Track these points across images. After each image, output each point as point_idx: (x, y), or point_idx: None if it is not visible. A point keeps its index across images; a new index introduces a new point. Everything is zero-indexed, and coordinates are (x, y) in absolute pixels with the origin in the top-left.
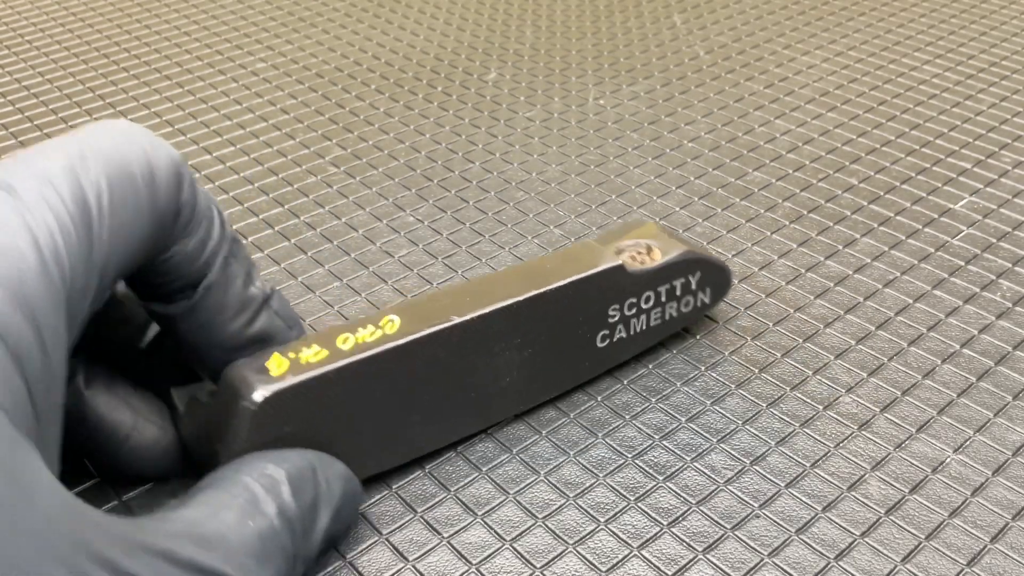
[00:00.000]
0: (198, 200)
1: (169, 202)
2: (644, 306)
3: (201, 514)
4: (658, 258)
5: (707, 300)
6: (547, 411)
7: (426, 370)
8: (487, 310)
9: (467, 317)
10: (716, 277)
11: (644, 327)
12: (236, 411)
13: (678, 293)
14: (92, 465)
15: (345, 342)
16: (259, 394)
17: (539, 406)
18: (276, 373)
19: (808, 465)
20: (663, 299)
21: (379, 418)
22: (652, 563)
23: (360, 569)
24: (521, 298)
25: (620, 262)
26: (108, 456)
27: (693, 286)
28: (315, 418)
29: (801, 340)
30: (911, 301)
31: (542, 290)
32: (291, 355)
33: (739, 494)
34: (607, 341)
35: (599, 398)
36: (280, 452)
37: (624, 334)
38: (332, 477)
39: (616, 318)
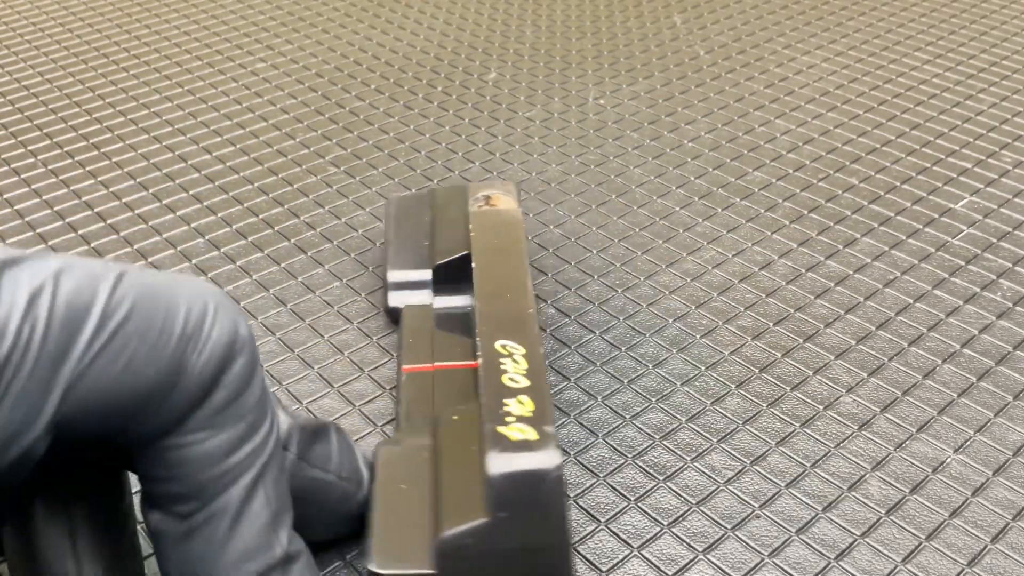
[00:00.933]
0: (248, 393)
1: (201, 368)
2: None
3: None
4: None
5: None
6: None
7: None
8: None
9: None
10: None
11: None
12: None
13: None
14: None
15: None
16: None
17: None
18: None
19: (808, 465)
20: None
21: None
22: (652, 563)
23: (360, 569)
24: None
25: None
26: None
27: None
28: None
29: (801, 340)
30: (911, 301)
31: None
32: None
33: (739, 494)
34: None
35: (599, 398)
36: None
37: None
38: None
39: None
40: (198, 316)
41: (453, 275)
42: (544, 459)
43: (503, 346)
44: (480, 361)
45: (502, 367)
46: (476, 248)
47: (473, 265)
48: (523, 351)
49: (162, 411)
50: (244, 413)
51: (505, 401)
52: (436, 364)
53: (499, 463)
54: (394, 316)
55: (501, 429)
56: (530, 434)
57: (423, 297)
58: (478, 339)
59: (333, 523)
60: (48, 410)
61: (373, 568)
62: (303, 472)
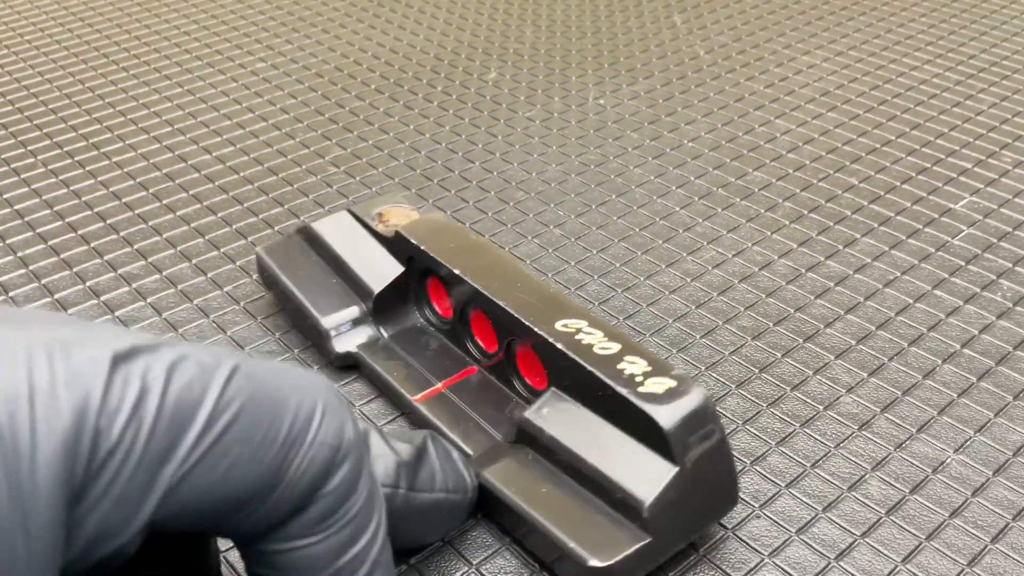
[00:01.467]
0: (354, 499)
1: (302, 474)
2: None
3: None
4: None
5: None
6: None
7: None
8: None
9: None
10: None
11: None
12: None
13: None
14: None
15: None
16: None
17: None
18: None
19: (808, 465)
20: None
21: None
22: None
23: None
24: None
25: None
26: None
27: None
28: None
29: (801, 340)
30: (911, 301)
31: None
32: None
33: (739, 494)
34: None
35: None
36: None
37: None
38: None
39: None
40: (305, 418)
41: (391, 300)
42: (697, 396)
43: (564, 325)
44: (559, 345)
45: (583, 342)
46: (437, 254)
47: (454, 271)
48: (586, 323)
49: (259, 515)
50: (350, 519)
51: (618, 367)
52: (444, 383)
53: (666, 416)
54: (346, 362)
55: (643, 389)
56: (669, 383)
57: (366, 333)
58: (535, 327)
59: (446, 531)
60: (146, 512)
61: (597, 564)
62: (414, 502)
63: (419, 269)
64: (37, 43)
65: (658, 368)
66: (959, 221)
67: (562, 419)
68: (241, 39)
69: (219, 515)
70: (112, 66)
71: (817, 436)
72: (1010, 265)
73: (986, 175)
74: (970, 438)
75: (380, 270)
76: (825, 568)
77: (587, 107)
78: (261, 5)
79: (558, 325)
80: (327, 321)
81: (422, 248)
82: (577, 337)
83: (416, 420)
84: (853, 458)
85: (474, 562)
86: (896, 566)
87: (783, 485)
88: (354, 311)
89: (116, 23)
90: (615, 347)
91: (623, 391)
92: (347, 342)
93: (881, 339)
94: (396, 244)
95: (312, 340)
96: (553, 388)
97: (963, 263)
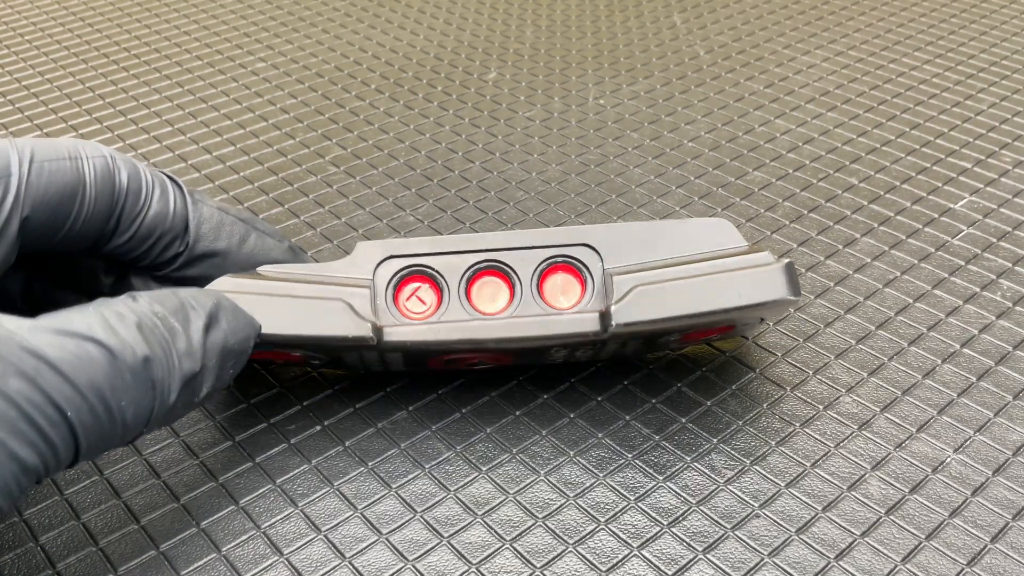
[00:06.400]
0: (140, 179)
1: (103, 177)
2: None
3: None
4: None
5: None
6: (547, 411)
7: None
8: None
9: None
10: None
11: None
12: None
13: None
14: None
15: None
16: None
17: (540, 405)
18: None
19: (808, 465)
20: None
21: None
22: (652, 563)
23: (360, 569)
24: None
25: None
26: None
27: None
28: None
29: (801, 340)
30: (911, 301)
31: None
32: None
33: (739, 494)
34: None
35: (599, 398)
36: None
37: None
38: (197, 294)
39: None
40: (76, 147)
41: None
42: (770, 255)
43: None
44: (623, 224)
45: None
46: (427, 245)
47: (460, 248)
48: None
49: (88, 215)
50: (149, 189)
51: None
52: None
53: (777, 268)
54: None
55: (736, 260)
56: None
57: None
58: (588, 228)
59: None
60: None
61: (780, 264)
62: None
63: (389, 281)
64: (37, 43)
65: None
66: (959, 221)
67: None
68: (241, 39)
69: (61, 215)
70: (112, 66)
71: (817, 436)
72: (1010, 265)
73: (986, 175)
74: (970, 438)
75: (354, 270)
76: (825, 568)
77: (587, 107)
78: (261, 5)
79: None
80: (359, 327)
81: (399, 241)
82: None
83: (506, 344)
84: (853, 458)
85: (474, 562)
86: (896, 566)
87: (783, 485)
88: (362, 290)
89: (116, 23)
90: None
91: (676, 220)
92: (394, 331)
93: (881, 339)
94: (358, 260)
95: (336, 358)
96: (607, 268)
97: (963, 263)
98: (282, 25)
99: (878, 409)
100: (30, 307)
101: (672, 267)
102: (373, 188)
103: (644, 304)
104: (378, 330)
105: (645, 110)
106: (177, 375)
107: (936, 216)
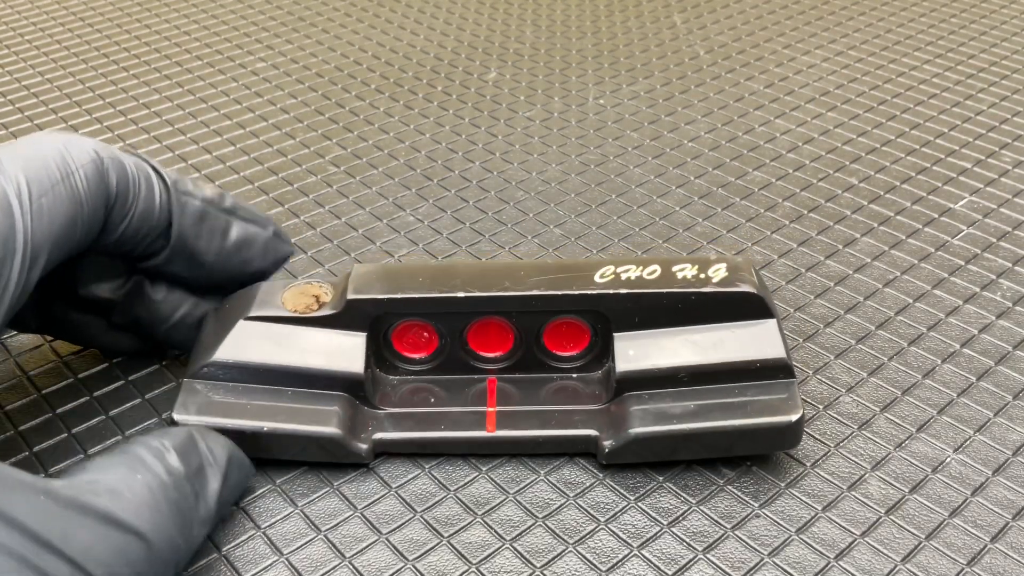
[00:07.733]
0: (128, 180)
1: (97, 188)
2: None
3: (96, 473)
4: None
5: None
6: None
7: None
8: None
9: None
10: None
11: None
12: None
13: None
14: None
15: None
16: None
17: None
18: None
19: (808, 465)
20: None
21: None
22: (652, 563)
23: (360, 569)
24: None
25: None
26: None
27: None
28: None
29: (802, 340)
30: (911, 301)
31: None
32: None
33: (739, 494)
34: None
35: None
36: (163, 428)
37: None
38: (214, 445)
39: None
40: (64, 159)
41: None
42: (747, 263)
43: (601, 276)
44: (622, 291)
45: (633, 278)
46: (421, 293)
47: (457, 295)
48: (612, 265)
49: (97, 230)
50: (135, 187)
51: (679, 278)
52: (488, 405)
53: (749, 285)
54: (381, 450)
55: (716, 280)
56: (721, 267)
57: (368, 417)
58: (586, 291)
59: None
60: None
61: (794, 418)
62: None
63: (382, 328)
64: (37, 43)
65: (702, 263)
66: (959, 221)
67: (651, 349)
68: (241, 39)
69: (63, 244)
70: (112, 66)
71: (817, 436)
72: (1010, 265)
73: (986, 175)
74: (970, 438)
75: (343, 351)
76: (825, 568)
77: (587, 107)
78: (261, 5)
79: (598, 279)
80: (329, 429)
81: (399, 298)
82: (624, 277)
83: (500, 450)
84: (853, 458)
85: (474, 562)
86: (896, 565)
87: (783, 484)
88: (339, 407)
89: (116, 23)
90: (657, 267)
91: (709, 290)
92: (367, 437)
93: (881, 339)
94: (349, 314)
95: (311, 458)
96: (615, 334)
97: (963, 263)
98: (282, 25)
99: (878, 409)
100: (34, 314)
101: (683, 402)
102: (373, 188)
103: (635, 450)
104: (370, 452)
105: (645, 110)
106: (194, 545)
107: (936, 216)
